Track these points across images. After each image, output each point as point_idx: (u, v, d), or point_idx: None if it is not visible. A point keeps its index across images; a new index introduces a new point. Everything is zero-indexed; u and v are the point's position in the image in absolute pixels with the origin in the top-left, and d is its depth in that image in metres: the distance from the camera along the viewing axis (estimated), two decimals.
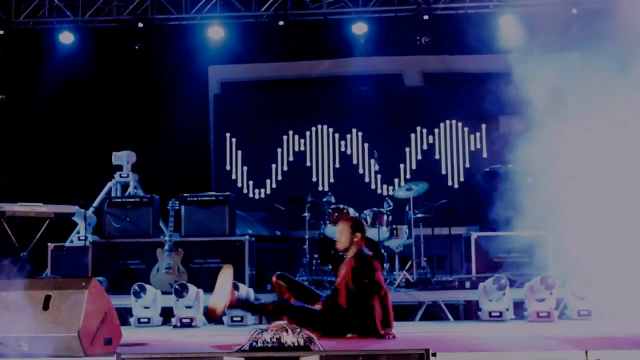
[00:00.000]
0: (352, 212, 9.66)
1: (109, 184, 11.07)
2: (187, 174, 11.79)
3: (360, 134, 12.07)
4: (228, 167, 12.24)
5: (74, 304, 4.98)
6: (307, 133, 12.16)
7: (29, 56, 11.73)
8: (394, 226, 9.64)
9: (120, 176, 11.05)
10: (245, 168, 12.20)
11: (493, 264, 9.19)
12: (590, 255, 8.13)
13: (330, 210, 9.69)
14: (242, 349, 4.71)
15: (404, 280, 9.19)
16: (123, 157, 11.02)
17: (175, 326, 8.01)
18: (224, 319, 8.16)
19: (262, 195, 12.10)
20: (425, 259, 9.66)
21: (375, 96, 12.07)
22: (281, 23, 11.22)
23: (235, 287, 8.02)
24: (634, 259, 8.11)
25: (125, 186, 11.13)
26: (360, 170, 12.06)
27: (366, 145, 12.01)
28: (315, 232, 9.82)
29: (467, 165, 11.87)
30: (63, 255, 9.98)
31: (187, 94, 11.83)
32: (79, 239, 10.28)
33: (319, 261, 9.56)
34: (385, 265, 9.30)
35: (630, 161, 9.30)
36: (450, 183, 11.83)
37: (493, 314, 8.01)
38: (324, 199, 9.95)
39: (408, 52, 11.95)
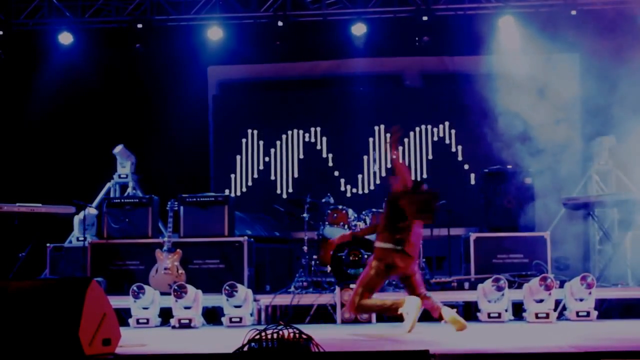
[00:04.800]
0: (351, 212, 9.66)
1: (108, 185, 11.08)
2: (186, 174, 11.78)
3: (359, 134, 12.06)
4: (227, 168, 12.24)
5: (72, 305, 4.98)
6: (307, 134, 12.15)
7: (28, 57, 11.72)
8: None
9: (119, 177, 11.06)
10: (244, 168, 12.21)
11: (492, 265, 9.18)
12: None
13: (329, 211, 9.69)
14: (241, 349, 4.71)
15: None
16: (123, 157, 11.01)
17: (174, 327, 8.01)
18: (223, 319, 8.17)
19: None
20: (424, 259, 9.65)
21: (375, 97, 12.07)
22: (280, 24, 11.21)
23: (234, 288, 8.05)
24: None
25: (124, 187, 11.14)
26: (359, 171, 12.05)
27: (364, 145, 12.02)
28: (315, 233, 9.81)
29: (466, 166, 11.86)
30: (62, 256, 9.98)
31: (187, 95, 11.83)
32: (77, 239, 10.28)
33: (318, 262, 9.55)
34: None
35: None
36: (449, 183, 11.81)
37: (492, 315, 8.02)
38: (323, 200, 9.95)
39: (407, 53, 11.94)
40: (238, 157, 12.18)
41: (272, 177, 12.11)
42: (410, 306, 6.71)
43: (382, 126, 12.00)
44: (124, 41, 11.47)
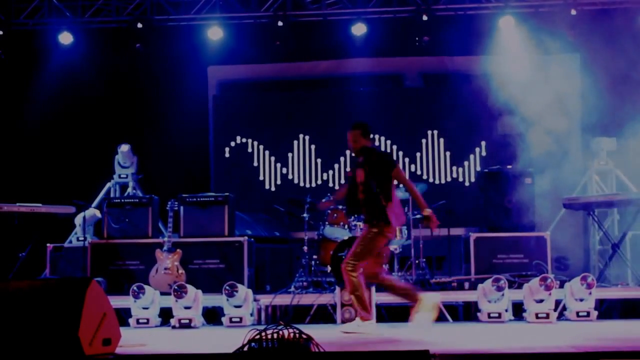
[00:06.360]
0: None
1: (108, 185, 11.07)
2: (186, 174, 11.78)
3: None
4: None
5: (72, 305, 4.98)
6: (306, 131, 12.14)
7: (28, 57, 11.72)
8: None
9: (120, 177, 11.06)
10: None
11: (492, 265, 9.18)
12: None
13: (329, 211, 9.68)
14: (241, 349, 4.71)
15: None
16: (127, 157, 10.99)
17: (174, 327, 8.01)
18: (223, 319, 8.17)
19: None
20: (424, 259, 9.65)
21: (375, 97, 12.07)
22: (280, 24, 11.21)
23: (234, 288, 8.05)
24: None
25: (124, 187, 11.13)
26: None
27: None
28: (315, 233, 9.81)
29: (466, 166, 11.86)
30: (62, 256, 9.98)
31: (187, 95, 11.82)
32: (77, 239, 10.28)
33: (318, 262, 9.55)
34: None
35: None
36: (449, 184, 11.81)
37: (492, 315, 8.01)
38: (323, 200, 9.94)
39: (407, 53, 11.93)
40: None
41: (270, 177, 12.12)
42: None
43: (382, 126, 11.99)
44: (124, 41, 11.46)
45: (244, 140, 12.21)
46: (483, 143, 11.81)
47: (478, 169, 11.64)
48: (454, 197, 10.74)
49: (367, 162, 7.11)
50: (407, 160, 11.95)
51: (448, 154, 11.91)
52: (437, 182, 11.81)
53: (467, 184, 11.79)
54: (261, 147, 12.19)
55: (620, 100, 9.84)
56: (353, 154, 7.45)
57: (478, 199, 10.07)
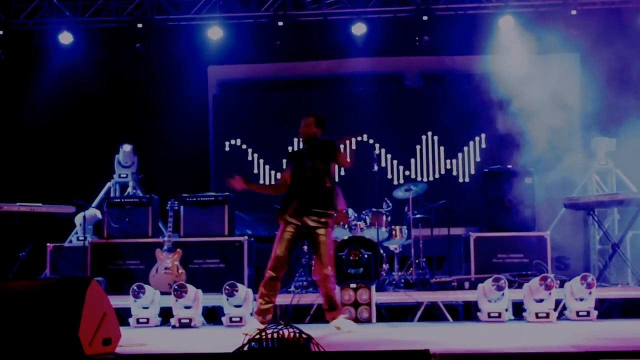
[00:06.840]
0: (350, 212, 9.66)
1: (108, 184, 11.08)
2: (186, 174, 11.78)
3: (359, 134, 12.05)
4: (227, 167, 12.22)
5: (72, 305, 4.98)
6: None
7: (28, 57, 11.72)
8: (393, 227, 9.65)
9: (120, 176, 11.07)
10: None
11: (492, 264, 9.19)
12: None
13: None
14: (241, 348, 4.71)
15: (402, 280, 9.20)
16: (127, 157, 11.00)
17: (174, 326, 8.01)
18: (223, 319, 8.16)
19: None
20: (424, 259, 9.66)
21: (375, 97, 12.06)
22: (280, 23, 11.22)
23: (234, 288, 8.05)
24: None
25: (124, 186, 11.14)
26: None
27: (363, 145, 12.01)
28: None
29: (466, 166, 11.86)
30: (62, 256, 9.99)
31: (187, 94, 11.82)
32: (77, 239, 10.28)
33: None
34: (384, 265, 9.31)
35: None
36: (449, 184, 11.81)
37: (492, 314, 8.01)
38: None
39: (407, 53, 11.94)
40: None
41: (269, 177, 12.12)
42: None
43: (382, 125, 11.98)
44: (124, 41, 11.46)
45: (243, 139, 12.21)
46: (483, 142, 11.81)
47: (478, 168, 11.63)
48: (454, 197, 10.74)
49: (315, 148, 7.30)
50: (407, 159, 11.94)
51: (448, 152, 11.90)
52: (437, 180, 11.81)
53: (467, 180, 11.80)
54: (261, 146, 12.18)
55: (620, 99, 9.83)
56: (301, 139, 7.50)
57: (478, 199, 10.07)
